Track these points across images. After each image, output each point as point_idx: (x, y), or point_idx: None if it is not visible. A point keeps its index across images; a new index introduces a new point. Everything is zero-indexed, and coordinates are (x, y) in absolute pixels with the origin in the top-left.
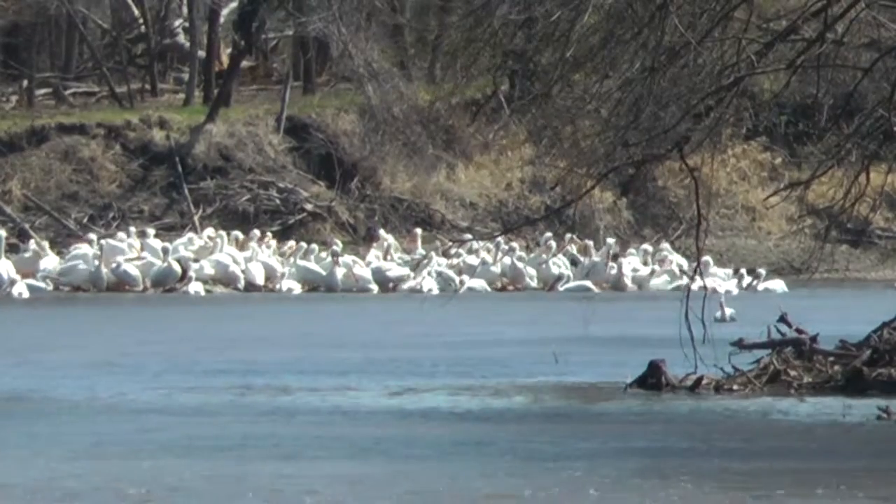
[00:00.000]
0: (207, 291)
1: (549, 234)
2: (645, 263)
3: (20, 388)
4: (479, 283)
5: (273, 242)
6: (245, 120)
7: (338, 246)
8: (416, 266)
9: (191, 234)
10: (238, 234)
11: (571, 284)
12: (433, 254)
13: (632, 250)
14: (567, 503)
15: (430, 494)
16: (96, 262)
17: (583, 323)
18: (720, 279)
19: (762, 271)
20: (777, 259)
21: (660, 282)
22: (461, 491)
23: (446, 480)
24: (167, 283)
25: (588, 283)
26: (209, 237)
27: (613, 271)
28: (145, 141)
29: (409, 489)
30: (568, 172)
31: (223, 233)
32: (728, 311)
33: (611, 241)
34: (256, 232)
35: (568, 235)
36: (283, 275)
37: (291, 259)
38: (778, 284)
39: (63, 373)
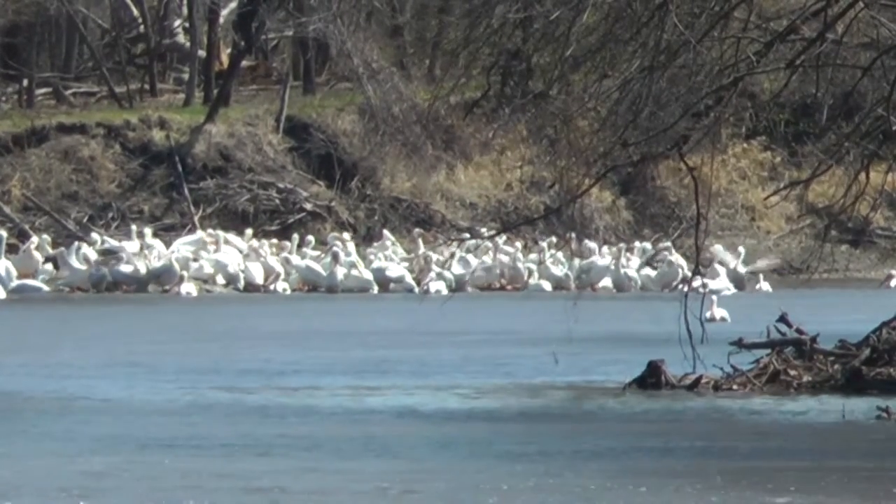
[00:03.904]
0: (207, 291)
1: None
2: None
3: (23, 387)
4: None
5: (266, 243)
6: (245, 120)
7: (338, 246)
8: (418, 267)
9: (200, 233)
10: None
11: (532, 283)
12: (430, 254)
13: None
14: (566, 502)
15: (428, 494)
16: (96, 263)
17: (555, 325)
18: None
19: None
20: (777, 259)
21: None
22: (458, 490)
23: (443, 479)
24: (167, 281)
25: (544, 284)
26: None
27: (621, 271)
28: (145, 141)
29: (403, 488)
30: (566, 172)
31: (220, 232)
32: (719, 313)
33: (622, 246)
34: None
35: (569, 234)
36: (278, 275)
37: (286, 256)
38: (723, 283)
39: (66, 373)
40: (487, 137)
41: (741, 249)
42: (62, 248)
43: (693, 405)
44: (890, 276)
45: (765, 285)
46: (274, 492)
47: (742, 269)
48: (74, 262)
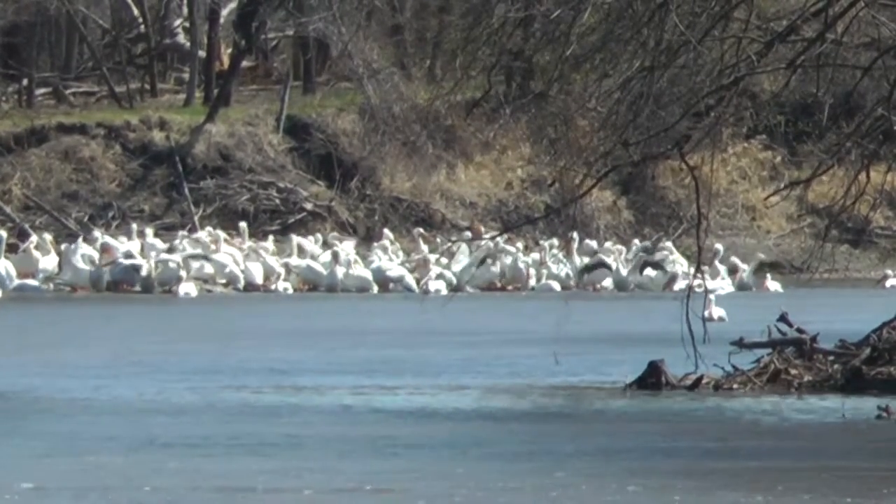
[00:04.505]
0: (207, 291)
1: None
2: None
3: (26, 387)
4: (441, 285)
5: (265, 243)
6: (245, 120)
7: (337, 244)
8: (418, 267)
9: (199, 234)
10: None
11: (538, 283)
12: (430, 255)
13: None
14: (565, 502)
15: (428, 494)
16: (96, 262)
17: (556, 325)
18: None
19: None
20: (777, 258)
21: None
22: (458, 490)
23: (444, 479)
24: (167, 281)
25: (552, 284)
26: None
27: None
28: (145, 141)
29: (403, 488)
30: (566, 171)
31: (221, 232)
32: (717, 312)
33: (620, 248)
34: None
35: (574, 233)
36: (279, 275)
37: (286, 262)
38: (725, 284)
39: (69, 372)
40: (488, 137)
41: (745, 266)
42: (70, 246)
43: (693, 405)
44: (886, 277)
45: (773, 284)
46: (275, 492)
47: (747, 278)
48: (78, 262)
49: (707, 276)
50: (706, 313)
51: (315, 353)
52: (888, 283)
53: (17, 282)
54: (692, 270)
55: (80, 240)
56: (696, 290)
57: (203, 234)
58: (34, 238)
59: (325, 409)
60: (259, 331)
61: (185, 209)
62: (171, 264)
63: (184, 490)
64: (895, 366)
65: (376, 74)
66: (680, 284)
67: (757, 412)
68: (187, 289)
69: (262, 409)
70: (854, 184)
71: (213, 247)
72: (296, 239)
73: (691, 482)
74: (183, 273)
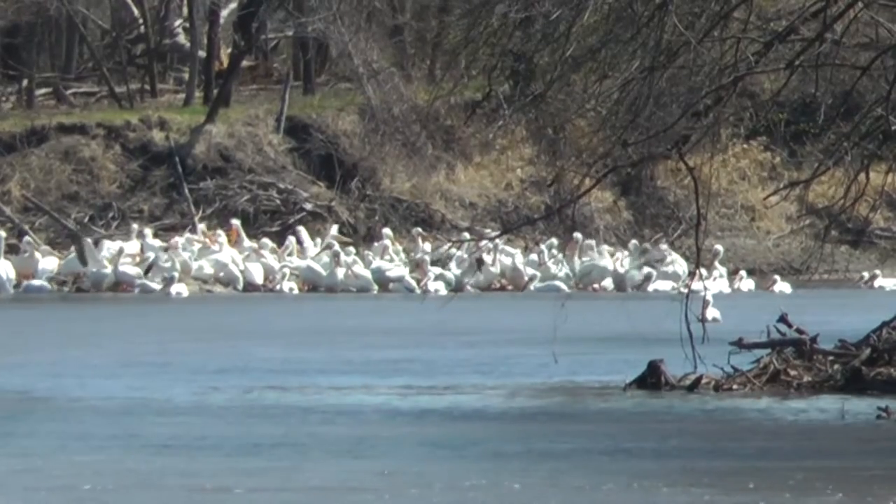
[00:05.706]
0: (207, 292)
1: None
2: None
3: (29, 387)
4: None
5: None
6: (245, 120)
7: (336, 243)
8: (417, 266)
9: (188, 235)
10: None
11: (541, 284)
12: (427, 257)
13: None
14: (564, 503)
15: (425, 494)
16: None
17: (553, 325)
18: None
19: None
20: (777, 259)
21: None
22: (457, 490)
23: (441, 479)
24: (163, 283)
25: (559, 283)
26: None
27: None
28: (145, 141)
29: (399, 488)
30: (566, 172)
31: (221, 231)
32: (711, 313)
33: (616, 251)
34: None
35: (577, 235)
36: (284, 275)
37: (285, 264)
38: (722, 284)
39: (73, 372)
40: (488, 137)
41: (743, 273)
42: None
43: (693, 405)
44: (874, 277)
45: (782, 286)
46: (278, 491)
47: (744, 289)
48: (103, 262)
49: (700, 278)
50: (701, 314)
51: (315, 354)
52: (876, 284)
53: (24, 283)
54: (684, 271)
55: (104, 241)
56: (684, 289)
57: (202, 228)
58: (28, 238)
59: (325, 409)
60: (260, 331)
61: (185, 210)
62: (167, 265)
63: (182, 490)
64: (895, 366)
65: (376, 75)
66: (655, 284)
67: (756, 413)
68: (179, 289)
69: (263, 409)
70: (854, 184)
71: (213, 246)
72: (294, 239)
73: (691, 482)
74: (176, 273)
